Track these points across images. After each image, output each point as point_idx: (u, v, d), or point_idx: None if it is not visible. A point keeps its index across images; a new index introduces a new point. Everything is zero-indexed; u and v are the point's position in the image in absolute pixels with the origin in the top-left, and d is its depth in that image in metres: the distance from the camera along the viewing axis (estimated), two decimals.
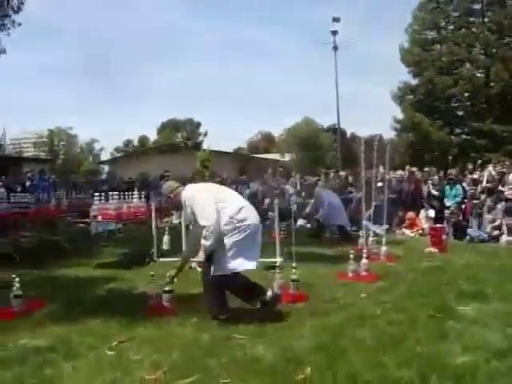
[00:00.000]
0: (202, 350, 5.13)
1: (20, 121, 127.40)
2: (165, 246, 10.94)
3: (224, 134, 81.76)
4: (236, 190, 19.66)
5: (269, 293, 6.39)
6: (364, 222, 11.21)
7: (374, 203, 12.05)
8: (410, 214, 15.77)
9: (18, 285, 6.69)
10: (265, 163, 39.53)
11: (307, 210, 15.87)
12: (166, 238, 11.07)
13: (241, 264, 6.16)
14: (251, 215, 6.30)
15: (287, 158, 55.66)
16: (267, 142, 79.72)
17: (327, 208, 14.00)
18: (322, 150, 56.09)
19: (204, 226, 6.00)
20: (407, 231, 15.45)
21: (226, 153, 43.80)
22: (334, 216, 14.06)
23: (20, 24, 20.23)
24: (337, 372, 4.42)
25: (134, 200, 11.15)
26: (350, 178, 18.88)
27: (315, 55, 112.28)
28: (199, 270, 9.66)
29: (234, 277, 6.18)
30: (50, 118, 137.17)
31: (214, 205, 6.11)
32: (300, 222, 17.31)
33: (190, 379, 4.35)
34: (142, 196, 11.61)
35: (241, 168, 33.85)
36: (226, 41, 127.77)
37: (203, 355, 4.95)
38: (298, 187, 20.96)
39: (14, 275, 6.75)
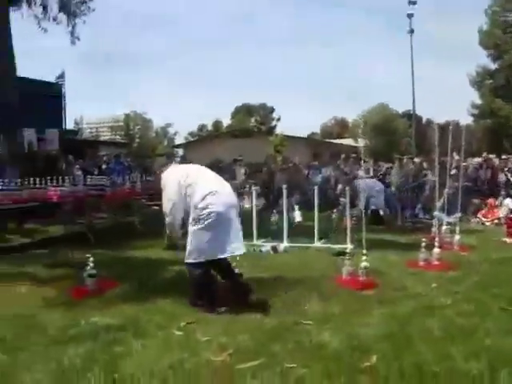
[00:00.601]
0: (269, 334, 5.16)
1: (97, 106, 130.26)
2: None
3: (298, 119, 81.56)
4: (308, 175, 19.71)
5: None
6: (435, 213, 10.99)
7: (446, 190, 11.77)
8: (491, 201, 15.31)
9: (91, 264, 6.92)
10: (338, 148, 39.30)
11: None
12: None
13: (200, 255, 6.03)
14: (217, 202, 6.02)
15: (361, 143, 55.06)
16: (341, 127, 79.02)
17: (364, 196, 13.77)
18: (396, 135, 55.25)
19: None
20: (483, 219, 15.00)
21: (299, 138, 43.64)
22: (371, 202, 13.84)
23: (94, 9, 20.65)
24: (403, 362, 4.37)
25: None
26: (425, 165, 18.49)
27: (391, 39, 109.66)
28: (271, 252, 9.81)
29: (200, 268, 6.09)
30: (126, 103, 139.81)
31: (177, 192, 6.11)
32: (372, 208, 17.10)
33: (255, 362, 4.39)
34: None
35: (314, 153, 33.68)
36: (302, 25, 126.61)
37: (269, 339, 4.98)
38: (371, 173, 20.70)
39: (88, 255, 6.97)
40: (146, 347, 4.84)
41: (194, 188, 6.10)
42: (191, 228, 6.05)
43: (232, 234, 6.09)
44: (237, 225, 6.18)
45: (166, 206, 6.23)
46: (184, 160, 17.38)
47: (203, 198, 6.00)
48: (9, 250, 10.27)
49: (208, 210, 5.96)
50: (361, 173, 15.83)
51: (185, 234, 6.26)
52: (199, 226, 5.99)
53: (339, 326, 5.40)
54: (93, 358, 4.58)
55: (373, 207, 14.01)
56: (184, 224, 6.23)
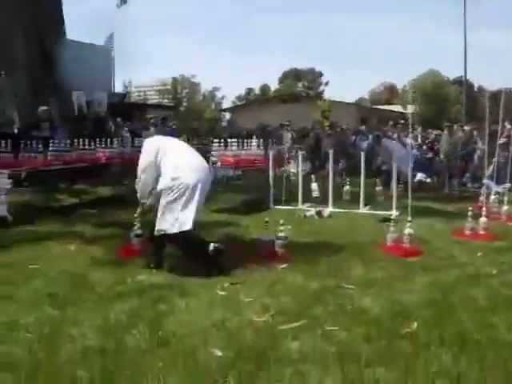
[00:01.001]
0: (310, 297, 5.21)
1: (145, 69, 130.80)
2: (314, 194, 11.00)
3: (346, 85, 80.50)
4: (355, 141, 19.52)
5: (210, 247, 6.17)
6: (484, 181, 10.82)
7: (495, 160, 11.55)
8: None
9: (138, 224, 7.06)
10: (386, 115, 38.76)
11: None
12: (313, 186, 11.13)
13: (173, 225, 6.11)
14: (187, 174, 6.16)
15: (410, 110, 54.15)
16: (390, 93, 77.75)
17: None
18: (446, 102, 54.13)
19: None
20: None
21: (347, 103, 43.20)
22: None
23: None
24: (444, 329, 4.36)
25: (253, 148, 11.29)
26: (475, 133, 18.13)
27: (443, 3, 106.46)
28: (316, 217, 9.84)
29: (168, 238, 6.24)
30: (174, 67, 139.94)
31: (151, 161, 6.23)
32: (419, 176, 16.91)
33: (297, 324, 4.44)
34: (261, 144, 11.73)
35: (361, 119, 33.31)
36: None
37: (311, 302, 5.03)
38: (420, 141, 20.41)
39: (135, 215, 7.10)
40: (190, 306, 4.94)
41: (166, 158, 6.25)
42: (162, 199, 6.15)
43: (193, 207, 6.14)
44: (197, 198, 6.19)
45: (139, 171, 6.38)
46: (165, 123, 17.16)
47: (175, 169, 6.16)
48: (59, 210, 10.54)
49: (180, 181, 6.08)
50: (409, 140, 15.60)
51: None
52: (172, 197, 6.09)
53: (381, 291, 5.40)
54: (138, 314, 4.71)
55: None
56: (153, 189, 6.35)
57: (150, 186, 6.31)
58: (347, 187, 11.91)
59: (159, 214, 6.18)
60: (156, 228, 6.21)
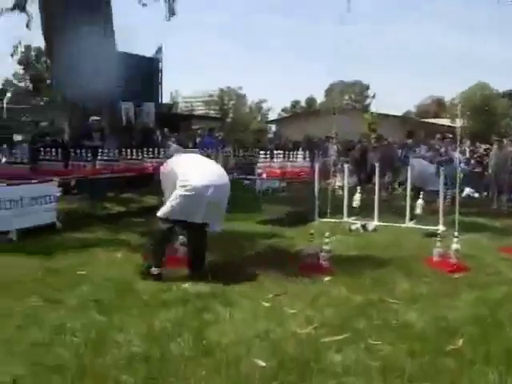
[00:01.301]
0: (354, 310, 5.19)
1: (192, 80, 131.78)
2: (355, 204, 10.93)
3: (393, 98, 79.77)
4: (401, 154, 19.35)
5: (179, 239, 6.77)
6: None
7: None
8: None
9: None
10: (434, 128, 38.30)
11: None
12: (356, 197, 11.07)
13: (171, 214, 6.44)
14: (197, 178, 6.46)
15: (458, 123, 53.35)
16: (438, 106, 76.81)
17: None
18: (496, 116, 53.18)
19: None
20: None
21: (393, 116, 42.84)
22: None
23: None
24: (491, 346, 4.29)
25: (299, 160, 11.27)
26: None
27: (492, 14, 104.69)
28: (361, 231, 9.79)
29: (166, 224, 6.53)
30: (221, 78, 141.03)
31: (168, 183, 6.71)
32: (467, 190, 16.69)
33: (340, 337, 4.43)
34: (307, 156, 11.70)
35: (408, 132, 32.97)
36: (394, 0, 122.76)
37: (355, 315, 5.01)
38: (468, 155, 20.13)
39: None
40: (234, 316, 4.97)
41: (179, 173, 6.56)
42: (174, 192, 6.47)
43: (204, 208, 6.41)
44: (213, 204, 6.51)
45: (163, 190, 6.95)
46: (278, 136, 17.52)
47: (185, 175, 6.50)
48: (106, 218, 10.72)
49: (189, 183, 6.40)
50: (457, 154, 15.41)
51: None
52: (179, 193, 6.40)
53: (427, 306, 5.35)
54: (182, 323, 4.76)
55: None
56: None
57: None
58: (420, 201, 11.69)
59: None
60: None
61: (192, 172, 6.58)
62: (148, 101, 21.20)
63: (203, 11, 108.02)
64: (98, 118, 14.41)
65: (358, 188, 11.82)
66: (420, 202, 10.47)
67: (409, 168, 10.85)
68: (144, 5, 20.80)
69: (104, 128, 14.71)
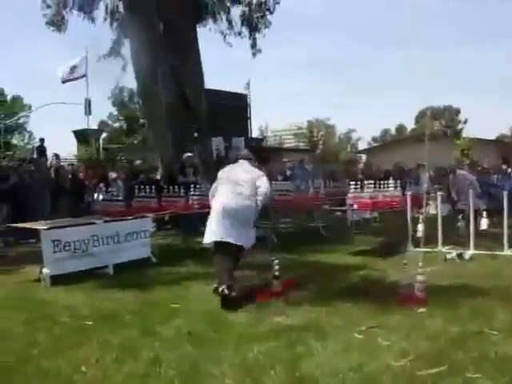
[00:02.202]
0: (451, 342, 5.03)
1: (281, 113, 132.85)
2: (419, 234, 10.74)
3: (486, 121, 77.39)
4: (497, 179, 18.74)
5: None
6: None
7: None
8: None
9: (277, 267, 7.15)
10: None
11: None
12: (420, 227, 10.88)
13: (205, 238, 7.32)
14: (221, 197, 7.24)
15: None
16: None
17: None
18: None
19: None
20: None
21: (487, 140, 41.56)
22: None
23: (271, 23, 21.32)
24: None
25: (390, 189, 11.10)
26: None
27: None
28: (457, 260, 9.50)
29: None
30: (309, 110, 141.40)
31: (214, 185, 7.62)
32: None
33: (437, 369, 4.30)
34: (398, 185, 11.51)
35: (503, 156, 31.94)
36: (479, 21, 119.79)
37: (451, 347, 4.85)
38: None
39: (273, 258, 7.21)
40: (327, 349, 4.92)
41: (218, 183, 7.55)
42: None
43: (220, 226, 7.08)
44: (228, 222, 7.07)
45: None
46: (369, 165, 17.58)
47: (216, 190, 7.47)
48: (199, 252, 10.88)
49: (214, 202, 7.35)
50: None
51: None
52: (211, 215, 7.34)
53: None
54: (275, 355, 4.75)
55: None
56: None
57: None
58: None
59: None
60: None
61: (218, 188, 7.45)
62: (238, 135, 21.62)
63: (289, 45, 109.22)
64: (191, 154, 14.78)
65: (459, 217, 11.55)
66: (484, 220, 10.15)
67: (505, 194, 10.47)
68: (229, 44, 21.38)
69: (196, 164, 15.08)
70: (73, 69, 29.09)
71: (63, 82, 29.34)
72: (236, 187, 7.23)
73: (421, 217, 11.02)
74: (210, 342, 5.20)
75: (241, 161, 7.83)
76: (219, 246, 7.11)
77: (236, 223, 7.07)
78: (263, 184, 7.33)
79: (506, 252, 9.90)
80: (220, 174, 7.65)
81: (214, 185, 7.61)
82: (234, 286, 6.77)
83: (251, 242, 7.33)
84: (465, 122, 77.46)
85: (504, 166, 21.16)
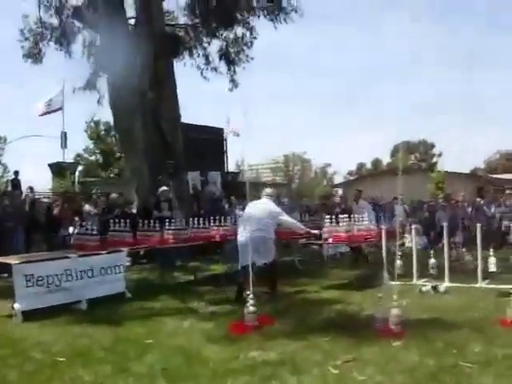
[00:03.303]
0: (426, 375, 5.02)
1: (257, 147, 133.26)
2: (397, 271, 10.75)
3: (460, 155, 78.19)
4: (472, 212, 18.95)
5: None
6: None
7: None
8: None
9: (251, 301, 7.11)
10: (503, 183, 37.38)
11: None
12: (398, 262, 10.89)
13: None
14: (241, 233, 9.48)
15: None
16: (507, 160, 75.11)
17: None
18: None
19: None
20: None
21: (461, 174, 42.09)
22: None
23: (252, 58, 21.59)
24: None
25: (365, 223, 11.15)
26: None
27: None
28: (432, 292, 9.52)
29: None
30: (285, 145, 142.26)
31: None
32: None
33: None
34: (373, 219, 11.58)
35: (478, 189, 32.36)
36: (449, 53, 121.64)
37: (427, 381, 4.85)
38: None
39: (248, 292, 7.19)
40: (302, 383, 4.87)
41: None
42: None
43: (245, 254, 8.74)
44: (249, 249, 8.53)
45: None
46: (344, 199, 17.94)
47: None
48: (174, 287, 10.82)
49: (238, 237, 9.65)
50: None
51: None
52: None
53: (503, 370, 5.11)
54: None
55: None
56: None
57: None
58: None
59: None
60: None
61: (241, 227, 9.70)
62: (214, 169, 21.65)
63: (265, 79, 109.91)
64: (167, 188, 14.75)
65: (432, 252, 11.60)
66: (493, 259, 10.22)
67: (478, 226, 10.57)
68: (206, 78, 21.58)
69: (171, 198, 15.03)
70: (49, 102, 29.03)
71: (40, 115, 29.21)
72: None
73: (397, 252, 11.06)
74: (184, 377, 5.13)
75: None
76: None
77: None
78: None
79: (481, 284, 9.97)
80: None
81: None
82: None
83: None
84: (439, 155, 78.41)
85: (478, 199, 21.42)
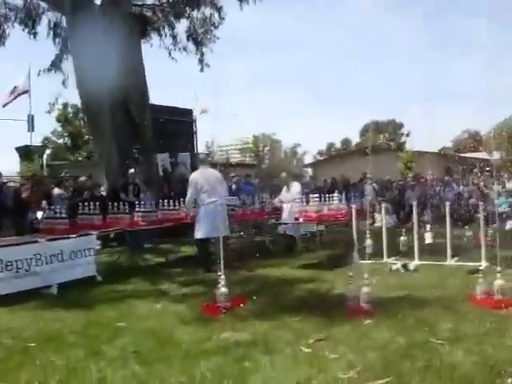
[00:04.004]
0: (398, 352, 5.06)
1: (227, 128, 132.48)
2: (367, 250, 10.85)
3: (428, 134, 78.77)
4: (440, 191, 19.18)
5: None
6: None
7: None
8: None
9: (223, 282, 7.11)
10: (471, 163, 37.81)
11: None
12: (368, 241, 10.98)
13: (196, 234, 10.31)
14: (206, 198, 10.16)
15: (496, 156, 52.49)
16: (474, 140, 75.95)
17: None
18: None
19: None
20: None
21: (429, 153, 42.41)
22: None
23: (218, 38, 21.47)
24: None
25: (335, 202, 11.18)
26: None
27: None
28: (402, 271, 9.62)
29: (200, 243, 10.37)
30: (255, 125, 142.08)
31: (193, 188, 10.40)
32: (509, 225, 16.35)
33: (383, 381, 4.32)
34: (342, 198, 11.60)
35: (446, 168, 32.70)
36: (419, 36, 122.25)
37: (398, 358, 4.88)
38: (508, 187, 19.81)
39: (219, 273, 7.18)
40: (275, 363, 4.89)
41: (200, 187, 10.29)
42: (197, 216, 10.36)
43: (212, 223, 9.69)
44: (217, 217, 9.59)
45: (188, 194, 10.58)
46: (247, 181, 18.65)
47: (202, 193, 10.23)
48: (145, 269, 10.78)
49: (203, 202, 10.19)
50: (495, 187, 15.19)
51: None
52: (199, 214, 10.31)
53: (472, 346, 5.18)
54: (223, 372, 4.70)
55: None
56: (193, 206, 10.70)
57: (191, 203, 10.73)
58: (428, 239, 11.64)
59: None
60: None
61: (204, 192, 10.35)
62: (184, 151, 21.51)
63: (235, 58, 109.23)
64: (133, 171, 14.67)
65: (403, 231, 11.73)
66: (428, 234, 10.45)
67: (447, 204, 10.68)
68: (174, 59, 21.39)
69: (140, 180, 14.96)
70: (13, 89, 28.37)
71: (3, 106, 28.51)
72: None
73: (367, 231, 11.14)
74: (157, 360, 5.12)
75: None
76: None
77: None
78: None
79: (450, 262, 10.10)
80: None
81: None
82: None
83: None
84: (407, 135, 78.99)
85: (447, 178, 21.65)
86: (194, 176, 10.60)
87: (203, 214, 10.17)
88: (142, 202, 11.61)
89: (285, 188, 13.45)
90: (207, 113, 23.41)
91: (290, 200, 12.61)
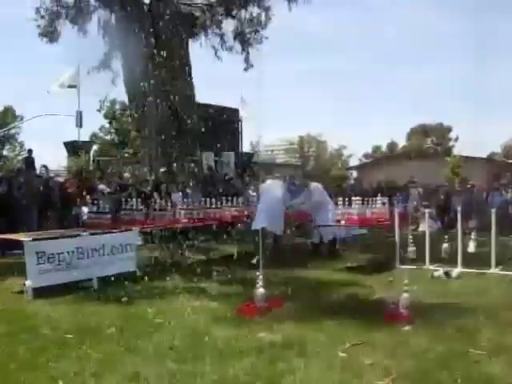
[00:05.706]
0: (435, 361, 4.97)
1: (273, 128, 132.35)
2: (410, 255, 10.71)
3: (477, 139, 77.37)
4: (487, 197, 18.80)
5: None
6: None
7: None
8: None
9: (261, 283, 7.09)
10: None
11: None
12: (410, 248, 10.84)
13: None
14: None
15: None
16: None
17: None
18: None
19: None
20: None
21: (478, 158, 41.71)
22: None
23: (266, 38, 21.44)
24: None
25: (378, 206, 11.07)
26: None
27: None
28: (444, 278, 9.46)
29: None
30: (301, 126, 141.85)
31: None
32: None
33: None
34: (386, 202, 11.47)
35: (494, 174, 32.06)
36: (473, 40, 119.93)
37: (435, 367, 4.79)
38: None
39: (258, 273, 7.16)
40: (309, 366, 4.85)
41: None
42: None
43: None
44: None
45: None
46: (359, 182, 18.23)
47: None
48: (186, 266, 10.83)
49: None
50: None
51: None
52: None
53: None
54: (256, 372, 4.68)
55: None
56: None
57: None
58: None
59: None
60: None
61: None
62: (229, 150, 21.61)
63: (281, 60, 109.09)
64: (181, 167, 14.82)
65: (446, 238, 11.53)
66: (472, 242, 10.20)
67: (493, 211, 10.45)
68: (219, 58, 21.46)
69: (186, 178, 15.08)
70: (64, 81, 28.87)
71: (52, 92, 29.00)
72: None
73: (410, 237, 10.99)
74: (191, 357, 5.12)
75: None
76: None
77: None
78: None
79: (493, 270, 9.88)
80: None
81: None
82: None
83: None
84: (456, 139, 77.71)
85: (495, 184, 21.23)
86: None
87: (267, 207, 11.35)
88: (188, 200, 11.69)
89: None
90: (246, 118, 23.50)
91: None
